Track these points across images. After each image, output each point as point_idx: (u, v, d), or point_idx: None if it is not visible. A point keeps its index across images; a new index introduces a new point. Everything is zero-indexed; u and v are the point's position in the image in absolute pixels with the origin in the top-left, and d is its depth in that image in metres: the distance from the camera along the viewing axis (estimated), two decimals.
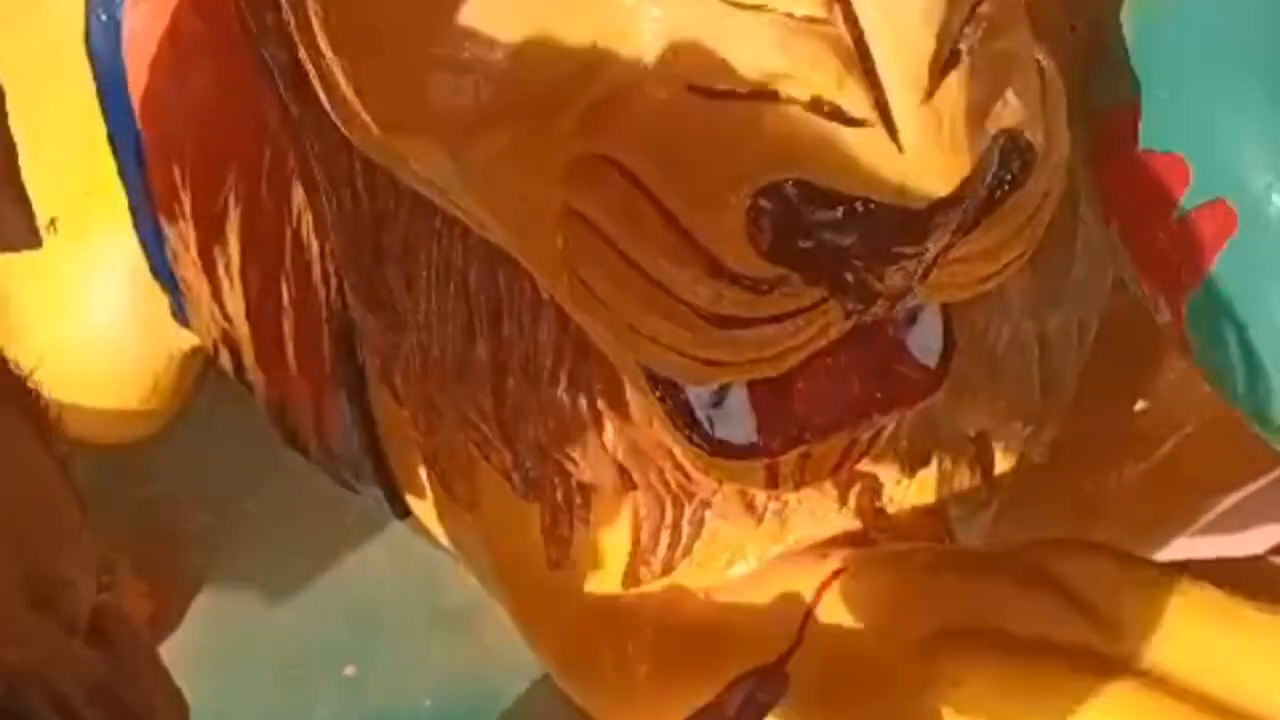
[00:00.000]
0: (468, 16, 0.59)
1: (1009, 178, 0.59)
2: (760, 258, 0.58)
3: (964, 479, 0.81)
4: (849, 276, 0.59)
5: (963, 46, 0.56)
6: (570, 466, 0.76)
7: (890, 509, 0.81)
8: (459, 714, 1.17)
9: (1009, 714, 0.68)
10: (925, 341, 0.68)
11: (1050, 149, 0.60)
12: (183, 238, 0.96)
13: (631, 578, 0.80)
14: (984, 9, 0.57)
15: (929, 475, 0.81)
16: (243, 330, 0.94)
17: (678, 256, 0.59)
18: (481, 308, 0.72)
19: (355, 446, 0.90)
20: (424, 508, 0.90)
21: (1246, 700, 0.65)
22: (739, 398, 0.67)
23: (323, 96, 0.66)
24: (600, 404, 0.74)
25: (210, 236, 0.92)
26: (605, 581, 0.82)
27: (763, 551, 0.80)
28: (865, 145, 0.56)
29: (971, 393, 0.77)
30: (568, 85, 0.59)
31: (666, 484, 0.76)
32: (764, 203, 0.57)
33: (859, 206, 0.57)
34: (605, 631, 0.82)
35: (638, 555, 0.80)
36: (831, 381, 0.67)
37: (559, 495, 0.78)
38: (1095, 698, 0.66)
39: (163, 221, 0.98)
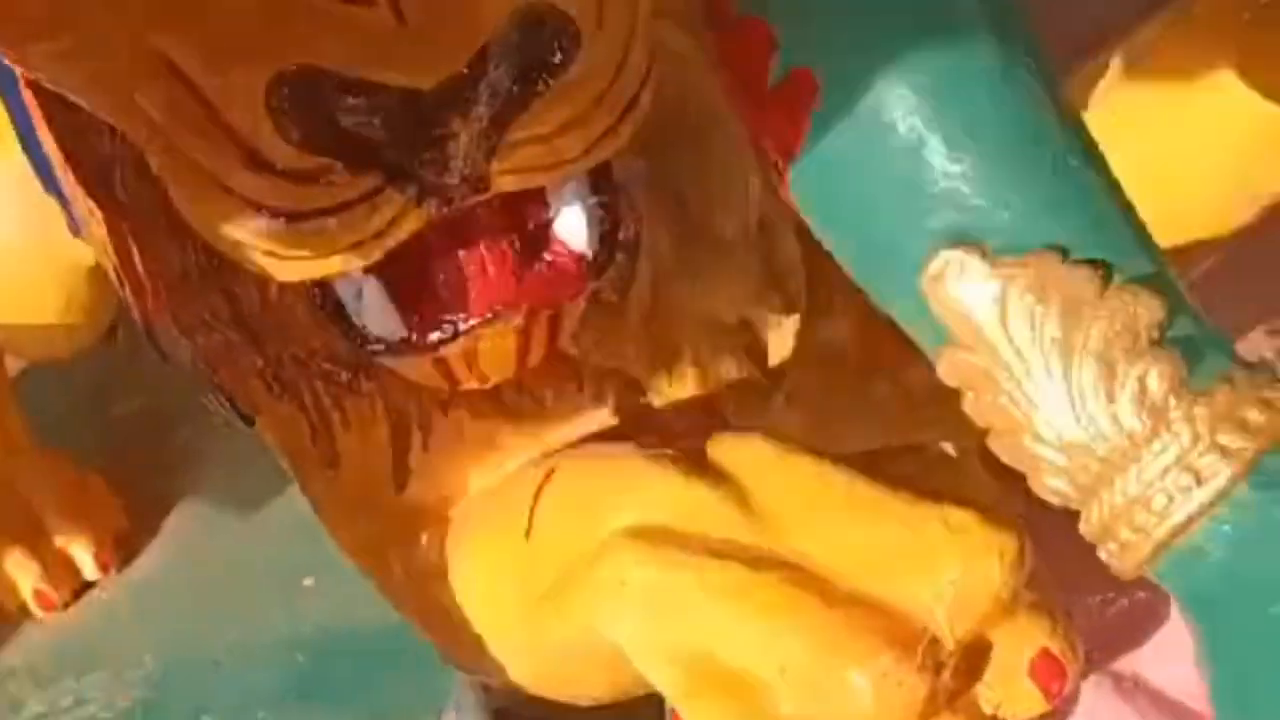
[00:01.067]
0: None
1: (549, 56, 0.57)
2: (292, 147, 0.57)
3: (732, 371, 0.78)
4: (396, 163, 0.57)
5: None
6: (305, 369, 0.76)
7: (657, 403, 0.79)
8: (407, 628, 1.17)
9: (662, 613, 0.66)
10: (576, 228, 0.66)
11: (604, 24, 0.57)
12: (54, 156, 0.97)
13: (400, 481, 0.79)
14: None
15: (694, 370, 0.78)
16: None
17: (220, 151, 0.58)
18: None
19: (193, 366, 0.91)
20: None
21: (886, 591, 0.62)
22: (374, 293, 0.66)
23: None
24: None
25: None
26: (384, 484, 0.81)
27: (530, 451, 0.79)
28: (372, 24, 0.55)
29: (707, 276, 0.75)
30: None
31: (405, 381, 0.75)
32: (285, 91, 0.56)
33: (368, 90, 0.55)
34: (390, 540, 0.82)
35: (397, 457, 0.79)
36: (473, 270, 0.65)
37: (306, 398, 0.78)
38: (745, 593, 0.64)
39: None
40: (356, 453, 0.80)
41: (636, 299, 0.74)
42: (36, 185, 1.03)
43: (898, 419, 0.81)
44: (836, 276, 0.77)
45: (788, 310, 0.77)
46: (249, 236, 0.60)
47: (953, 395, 0.63)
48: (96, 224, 0.82)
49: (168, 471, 1.30)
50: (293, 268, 0.61)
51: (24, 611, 1.26)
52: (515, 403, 0.77)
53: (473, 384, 0.70)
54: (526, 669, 0.82)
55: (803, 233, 0.76)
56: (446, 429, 0.78)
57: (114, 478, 1.29)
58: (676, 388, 0.78)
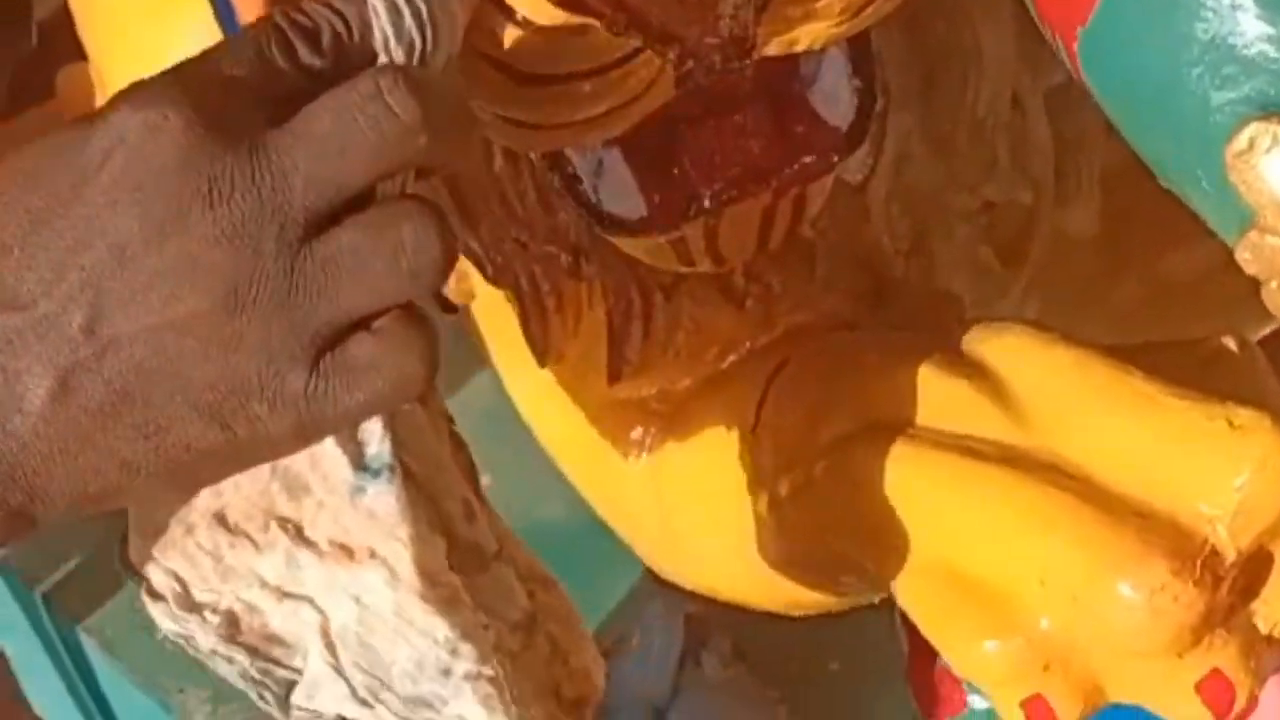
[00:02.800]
0: None
1: None
2: (553, 5, 0.53)
3: (972, 257, 0.74)
4: (659, 23, 0.54)
5: None
6: (524, 252, 0.72)
7: (891, 290, 0.75)
8: (588, 530, 1.14)
9: (907, 516, 0.62)
10: (832, 103, 0.62)
11: None
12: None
13: (613, 373, 0.76)
14: None
15: (933, 255, 0.74)
16: None
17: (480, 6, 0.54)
18: None
19: None
20: None
21: (1158, 496, 0.57)
22: (616, 167, 0.62)
23: None
24: (543, 182, 0.69)
25: None
26: (597, 376, 0.78)
27: (754, 342, 0.75)
28: None
29: (961, 158, 0.71)
30: None
31: (628, 265, 0.72)
32: None
33: None
34: (600, 434, 0.78)
35: (614, 348, 0.75)
36: (720, 144, 0.62)
37: (523, 283, 0.74)
38: (1001, 496, 0.59)
39: None
40: (570, 341, 0.77)
41: (880, 180, 0.70)
42: (217, 32, 1.01)
43: (1144, 316, 0.77)
44: (1087, 162, 0.72)
45: (1034, 196, 0.72)
46: (499, 104, 0.56)
47: (1225, 287, 0.58)
48: None
49: None
50: (540, 137, 0.57)
51: None
52: (742, 290, 0.74)
53: (707, 266, 0.66)
54: (741, 573, 0.78)
55: (1054, 114, 0.72)
56: (667, 318, 0.74)
57: None
58: (913, 273, 0.74)
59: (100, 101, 0.69)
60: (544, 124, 0.57)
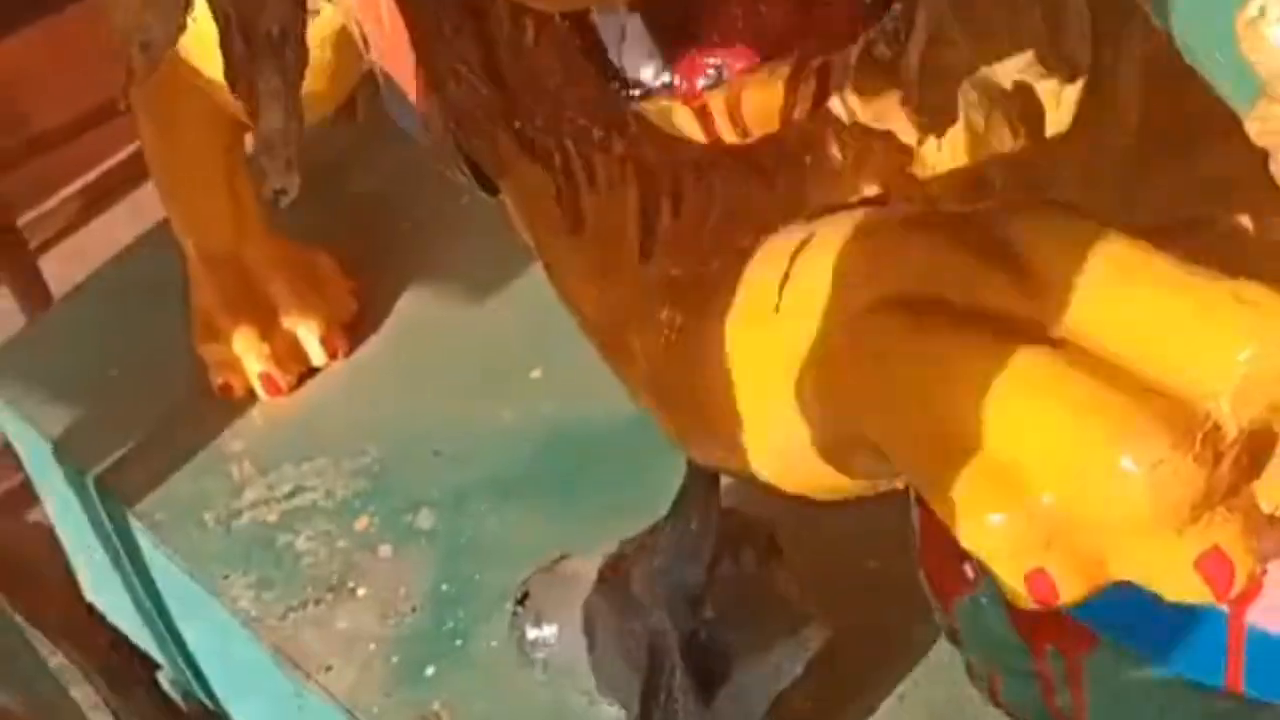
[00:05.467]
0: None
1: None
2: None
3: (1005, 140, 0.74)
4: None
5: None
6: (558, 123, 0.73)
7: (923, 175, 0.74)
8: (637, 423, 1.15)
9: (918, 390, 0.62)
10: None
11: None
12: None
13: (645, 250, 0.76)
14: None
15: (965, 136, 0.73)
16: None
17: None
18: None
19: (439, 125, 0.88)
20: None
21: (1163, 370, 0.57)
22: (638, 32, 0.62)
23: None
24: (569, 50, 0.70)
25: None
26: (629, 254, 0.78)
27: (784, 222, 0.75)
28: None
29: (993, 36, 0.70)
30: None
31: (658, 143, 0.72)
32: None
33: None
34: (630, 313, 0.79)
35: (645, 224, 0.75)
36: (745, 9, 0.61)
37: (557, 157, 0.75)
38: (1009, 369, 0.59)
39: None
40: (602, 217, 0.77)
41: (909, 56, 0.69)
42: None
43: (1180, 206, 0.76)
44: (1125, 43, 0.71)
45: (1069, 77, 0.72)
46: None
47: (1262, 179, 0.58)
48: None
49: (399, 255, 1.29)
50: None
51: (250, 394, 1.26)
52: (772, 166, 0.74)
53: (733, 138, 0.66)
54: (766, 457, 0.78)
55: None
56: (698, 195, 0.75)
57: (344, 259, 1.27)
58: (945, 155, 0.74)
59: None
60: None
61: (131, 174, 1.87)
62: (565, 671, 1.08)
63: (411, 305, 1.27)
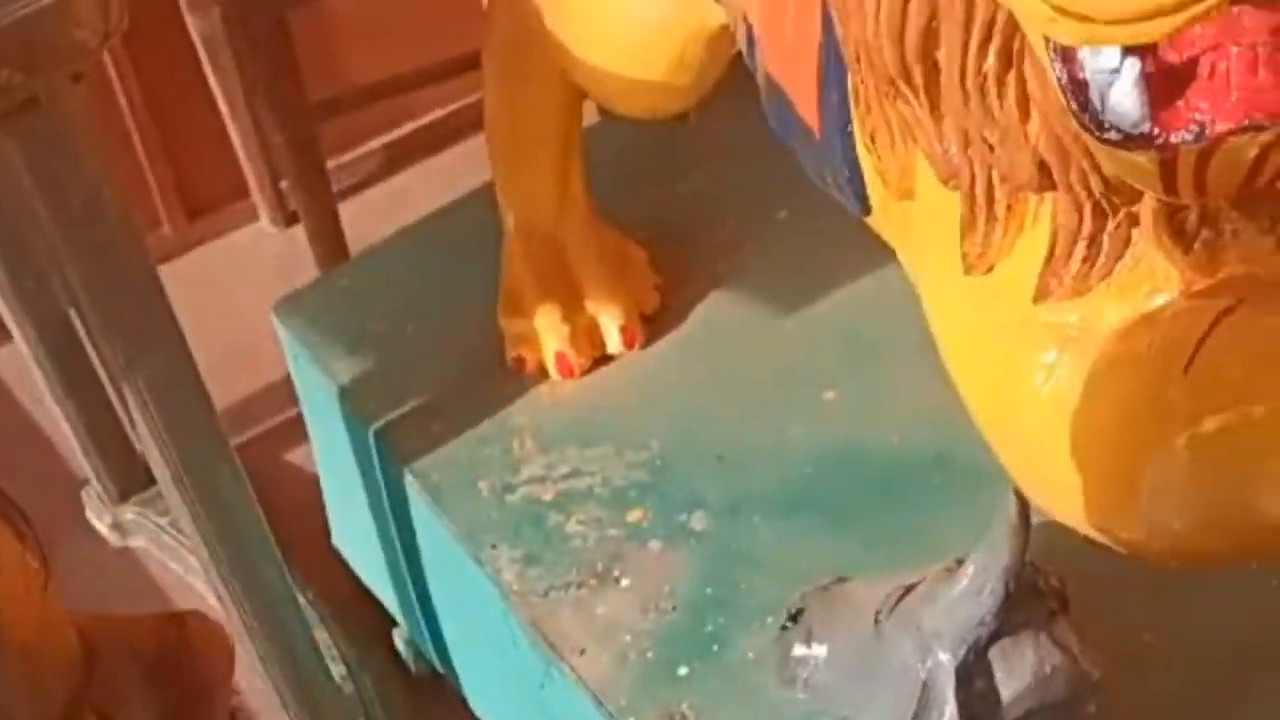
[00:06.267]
0: None
1: None
2: None
3: None
4: None
5: None
6: (989, 154, 0.73)
7: None
8: (926, 451, 1.15)
9: None
10: None
11: None
12: None
13: (1042, 290, 0.77)
14: None
15: None
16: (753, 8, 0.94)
17: None
18: None
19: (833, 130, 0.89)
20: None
21: None
22: (1131, 76, 0.62)
23: None
24: (1030, 87, 0.70)
25: None
26: (1019, 295, 0.78)
27: (1188, 285, 0.75)
28: None
29: None
30: None
31: (1087, 188, 0.72)
32: None
33: None
34: (1009, 349, 0.79)
35: (1050, 265, 0.76)
36: (1242, 69, 0.61)
37: (977, 187, 0.75)
38: None
39: None
40: (1006, 251, 0.77)
41: None
42: None
43: None
44: None
45: None
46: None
47: None
48: None
49: (709, 259, 1.29)
50: (1076, 30, 0.58)
51: (542, 372, 1.27)
52: (1194, 231, 0.74)
53: (1189, 196, 0.66)
54: (1121, 509, 0.78)
55: None
56: (1112, 245, 0.75)
57: (657, 255, 1.28)
58: None
59: None
60: (1091, 16, 0.57)
61: (428, 140, 1.91)
62: (825, 693, 1.08)
63: (713, 309, 1.28)
